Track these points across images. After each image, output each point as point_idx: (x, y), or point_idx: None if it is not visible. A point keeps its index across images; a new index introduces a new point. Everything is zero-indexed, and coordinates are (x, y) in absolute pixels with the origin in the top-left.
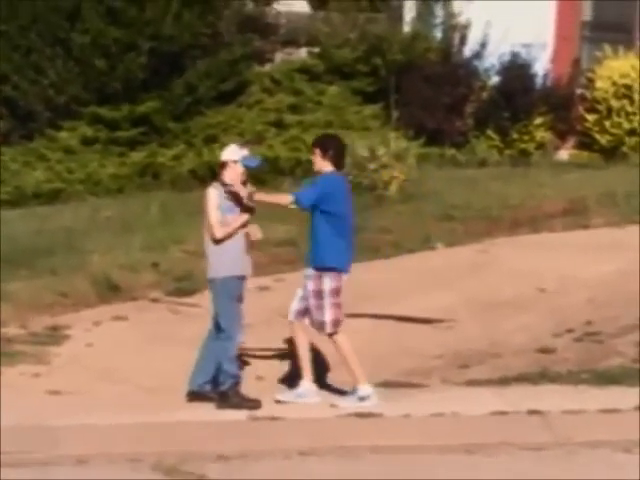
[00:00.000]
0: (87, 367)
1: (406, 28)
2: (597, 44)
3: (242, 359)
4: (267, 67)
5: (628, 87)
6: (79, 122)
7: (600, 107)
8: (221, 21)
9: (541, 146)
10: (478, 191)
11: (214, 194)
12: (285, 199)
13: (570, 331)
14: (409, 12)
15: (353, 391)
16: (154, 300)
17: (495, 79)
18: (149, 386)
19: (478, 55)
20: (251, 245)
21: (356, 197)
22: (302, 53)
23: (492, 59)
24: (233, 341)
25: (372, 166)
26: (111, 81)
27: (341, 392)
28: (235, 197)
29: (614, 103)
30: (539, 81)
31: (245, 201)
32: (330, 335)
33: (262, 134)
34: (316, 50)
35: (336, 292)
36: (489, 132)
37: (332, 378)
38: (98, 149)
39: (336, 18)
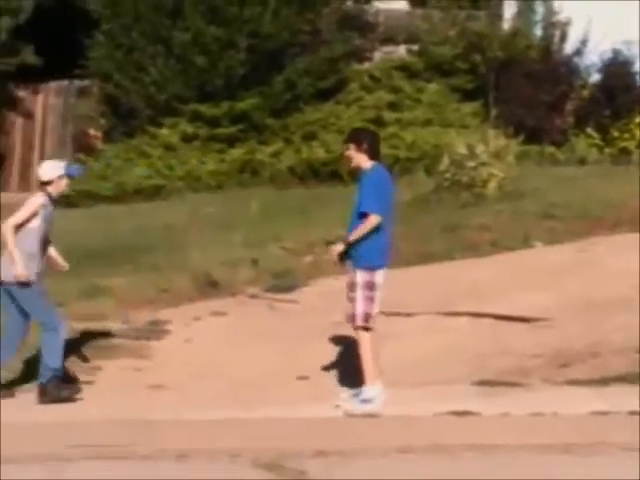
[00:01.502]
0: (187, 362)
1: (506, 25)
2: None
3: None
4: (366, 65)
5: None
6: (179, 119)
7: None
8: (320, 19)
9: None
10: (578, 190)
11: (39, 202)
12: (370, 222)
13: None
14: (509, 9)
15: (359, 393)
16: (253, 296)
17: (596, 77)
18: (247, 381)
19: (579, 52)
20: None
21: (455, 195)
22: (401, 50)
23: (593, 56)
24: (56, 333)
25: (471, 164)
26: (211, 78)
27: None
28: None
29: None
30: None
31: None
32: (356, 328)
33: None
34: (415, 48)
35: (369, 286)
36: (589, 130)
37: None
38: (198, 146)
39: (435, 15)
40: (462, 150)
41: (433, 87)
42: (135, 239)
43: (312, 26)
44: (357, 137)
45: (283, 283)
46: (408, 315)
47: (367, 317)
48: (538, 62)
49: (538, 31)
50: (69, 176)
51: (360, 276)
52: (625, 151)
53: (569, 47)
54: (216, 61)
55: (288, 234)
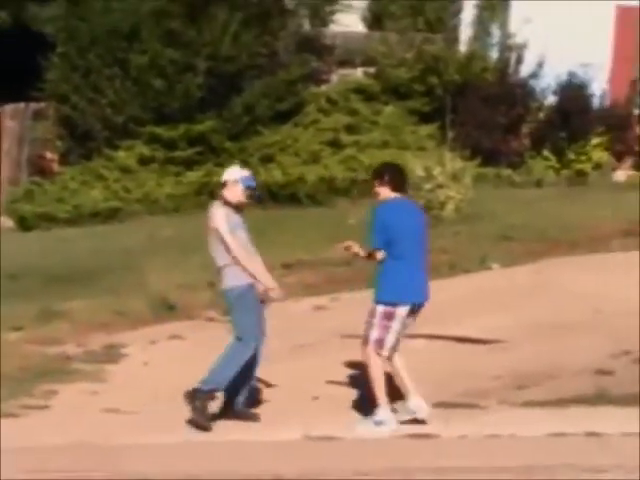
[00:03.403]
0: (143, 386)
1: (462, 48)
2: None
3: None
4: (323, 87)
5: None
6: (136, 142)
7: None
8: (278, 42)
9: (598, 167)
10: (535, 212)
11: (221, 215)
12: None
13: (628, 353)
14: (465, 32)
15: (372, 415)
16: (210, 319)
17: (552, 99)
18: None
19: (535, 75)
20: None
21: None
22: (358, 73)
23: (549, 79)
24: (247, 350)
25: (428, 186)
26: (168, 101)
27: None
28: None
29: None
30: (596, 101)
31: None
32: (369, 352)
33: (318, 154)
34: (372, 70)
35: (388, 316)
36: (545, 152)
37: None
38: (155, 168)
39: (392, 38)
40: (419, 172)
41: (390, 109)
42: (92, 262)
43: (270, 49)
44: (378, 172)
45: None
46: None
47: (380, 344)
48: (494, 85)
49: (494, 54)
50: (245, 185)
51: (379, 307)
52: (581, 173)
53: (525, 70)
54: (174, 84)
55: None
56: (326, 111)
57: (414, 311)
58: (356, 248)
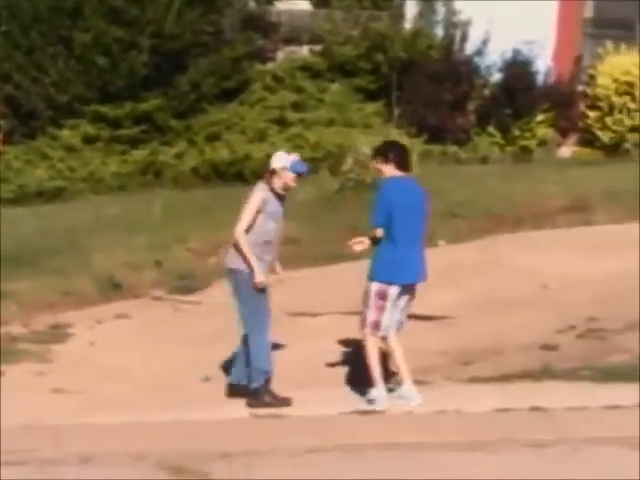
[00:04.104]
0: (90, 365)
1: (408, 25)
2: (599, 41)
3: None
4: (269, 65)
5: (630, 84)
6: (81, 120)
7: (602, 104)
8: (223, 19)
9: (543, 143)
10: (481, 188)
11: (259, 198)
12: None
13: (573, 328)
14: (411, 10)
15: (366, 393)
16: (157, 298)
17: (497, 76)
18: (152, 384)
19: (480, 52)
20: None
21: (359, 194)
22: (304, 51)
23: (494, 56)
24: (262, 335)
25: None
26: (113, 79)
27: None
28: None
29: (616, 100)
30: (541, 78)
31: None
32: (365, 334)
33: (264, 132)
34: (318, 48)
35: (381, 295)
36: (491, 129)
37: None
38: (100, 147)
39: (338, 16)
40: (366, 150)
41: (336, 87)
42: (37, 242)
43: (215, 27)
44: (382, 150)
45: (188, 285)
46: (314, 315)
47: (376, 325)
48: (440, 62)
49: (439, 31)
50: (295, 172)
51: (373, 286)
52: (526, 149)
53: (470, 47)
54: (118, 62)
55: (192, 235)
56: (272, 89)
57: (410, 291)
58: (366, 242)
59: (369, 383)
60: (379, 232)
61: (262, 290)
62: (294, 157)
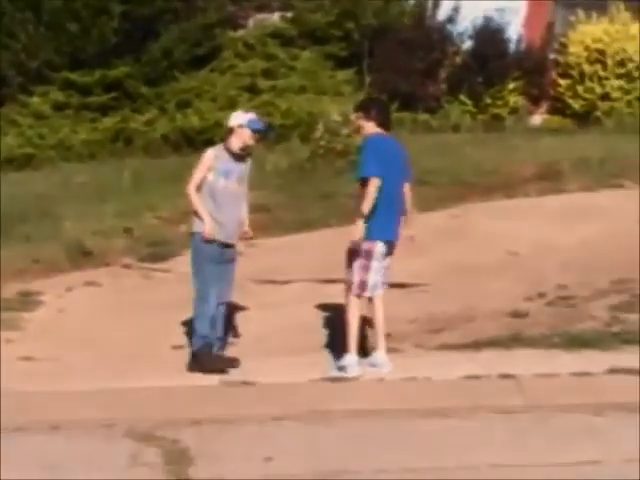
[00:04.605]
0: (59, 333)
1: None
2: (570, 9)
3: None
4: (240, 32)
5: (601, 52)
6: (51, 87)
7: (573, 72)
8: None
9: (514, 111)
10: (452, 156)
11: (209, 155)
12: (372, 186)
13: (542, 295)
14: None
15: (338, 359)
16: (126, 266)
17: (468, 44)
18: (122, 351)
19: (451, 19)
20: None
21: (330, 162)
22: (275, 18)
23: (465, 23)
24: (207, 303)
25: (345, 131)
26: (83, 45)
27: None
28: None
29: (587, 68)
30: (512, 46)
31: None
32: (350, 298)
33: (235, 99)
34: (289, 15)
35: (367, 254)
36: (462, 97)
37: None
38: (70, 114)
39: None
40: (336, 117)
41: (307, 54)
42: (6, 209)
43: None
44: (365, 106)
45: (157, 252)
46: (285, 283)
47: (363, 285)
48: (411, 29)
49: None
50: (252, 129)
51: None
52: (498, 118)
53: (442, 14)
54: (88, 28)
55: (162, 203)
56: (243, 56)
57: (392, 249)
58: (358, 232)
59: (343, 348)
60: (376, 181)
61: (208, 242)
62: (251, 115)
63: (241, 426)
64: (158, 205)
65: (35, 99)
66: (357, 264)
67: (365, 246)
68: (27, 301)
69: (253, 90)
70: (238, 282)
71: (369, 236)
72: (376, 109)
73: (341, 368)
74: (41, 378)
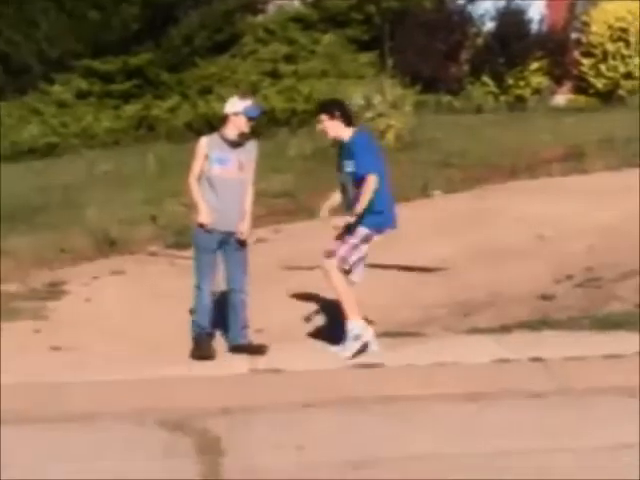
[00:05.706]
0: (87, 322)
1: None
2: None
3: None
4: (260, 17)
5: (624, 30)
6: (73, 75)
7: (596, 51)
8: None
9: (537, 91)
10: (475, 138)
11: (202, 143)
12: (370, 183)
13: (570, 277)
14: None
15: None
16: (152, 254)
17: (490, 25)
18: (148, 340)
19: (472, 1)
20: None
21: None
22: (296, 2)
23: (487, 5)
24: (201, 291)
25: (368, 115)
26: (105, 33)
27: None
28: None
29: (610, 47)
30: (534, 26)
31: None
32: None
33: (257, 84)
34: None
35: (366, 239)
36: (485, 78)
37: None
38: (92, 102)
39: None
40: (359, 101)
41: (328, 38)
42: (32, 199)
43: None
44: (327, 107)
45: (183, 240)
46: (310, 269)
47: (344, 260)
48: (432, 11)
49: None
50: (248, 116)
51: (363, 229)
52: (520, 98)
53: None
54: (109, 15)
55: (187, 190)
56: (264, 41)
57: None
58: (341, 222)
59: (345, 315)
60: (373, 177)
61: (207, 231)
62: (248, 102)
63: (271, 414)
64: (182, 191)
65: (57, 87)
66: (354, 241)
67: (369, 233)
68: (54, 290)
69: (275, 75)
70: (263, 268)
71: (377, 224)
72: (339, 109)
73: (356, 337)
74: (70, 368)
